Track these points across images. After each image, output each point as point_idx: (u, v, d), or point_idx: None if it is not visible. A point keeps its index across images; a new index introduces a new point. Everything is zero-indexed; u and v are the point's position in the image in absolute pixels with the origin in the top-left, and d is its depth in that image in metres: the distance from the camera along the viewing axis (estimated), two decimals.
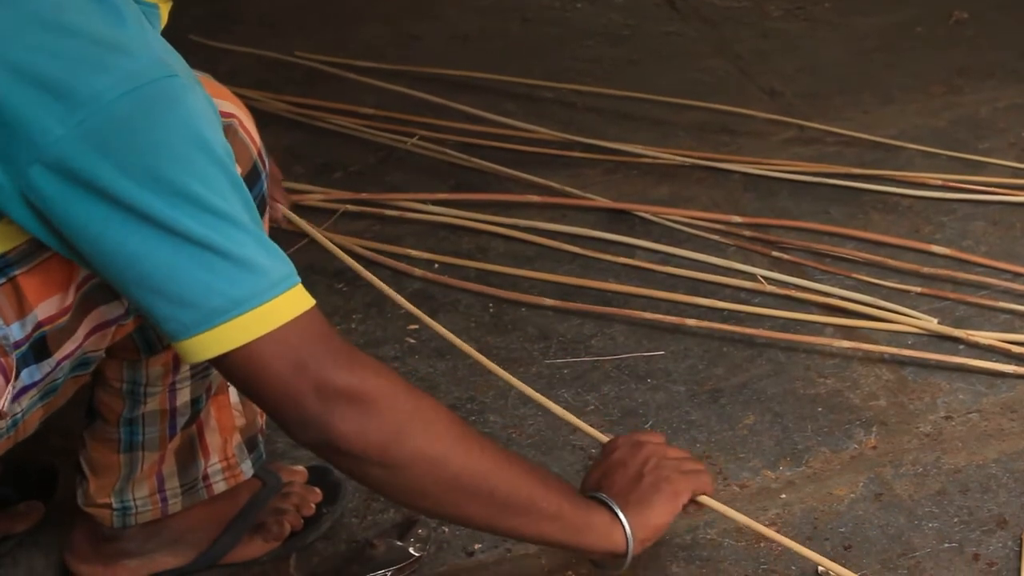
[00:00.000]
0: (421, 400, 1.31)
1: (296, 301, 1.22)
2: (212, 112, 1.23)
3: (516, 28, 3.24)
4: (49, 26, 1.15)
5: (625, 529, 1.44)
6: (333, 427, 1.24)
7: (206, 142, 1.18)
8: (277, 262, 1.22)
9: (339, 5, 3.32)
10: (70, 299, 1.27)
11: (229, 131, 1.39)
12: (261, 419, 1.66)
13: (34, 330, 1.25)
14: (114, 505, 1.57)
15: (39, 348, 1.27)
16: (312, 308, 1.24)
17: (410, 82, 2.80)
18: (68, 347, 1.29)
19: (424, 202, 2.38)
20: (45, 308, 1.25)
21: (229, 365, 1.22)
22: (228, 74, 2.85)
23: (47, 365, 1.28)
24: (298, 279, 1.23)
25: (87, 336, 1.31)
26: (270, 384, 1.22)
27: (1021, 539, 1.70)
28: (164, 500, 1.58)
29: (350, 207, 2.34)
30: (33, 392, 1.29)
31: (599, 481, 1.51)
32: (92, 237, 1.16)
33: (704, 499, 1.53)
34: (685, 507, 1.52)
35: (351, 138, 2.65)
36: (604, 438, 1.62)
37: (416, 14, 3.29)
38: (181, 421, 1.55)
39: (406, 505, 1.39)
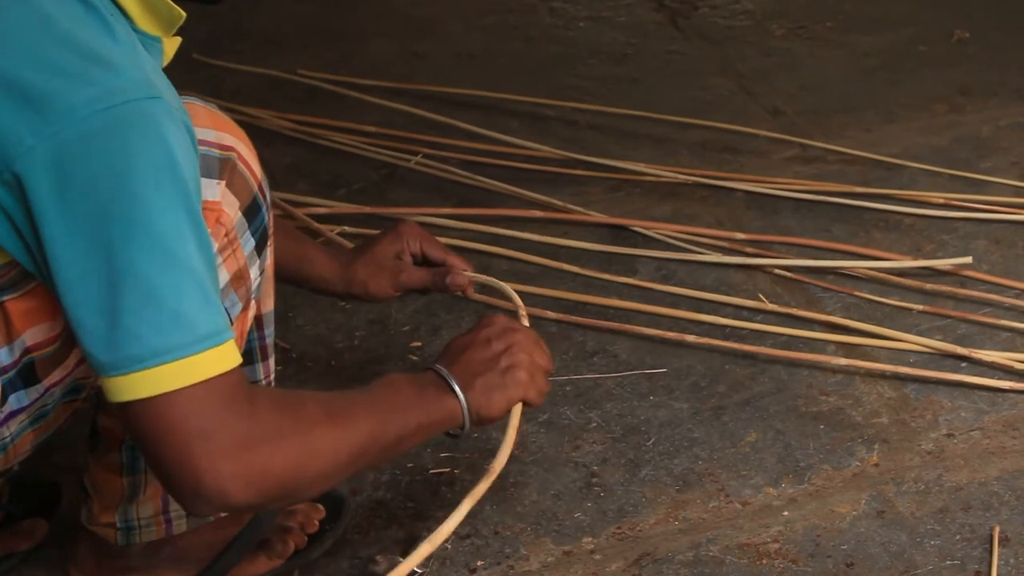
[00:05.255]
0: (300, 420, 1.26)
1: (216, 361, 1.17)
2: (190, 145, 1.21)
3: (519, 47, 3.25)
4: (39, 34, 1.14)
5: (464, 411, 1.44)
6: (231, 497, 1.20)
7: (176, 172, 1.16)
8: (210, 316, 1.18)
9: (343, 23, 3.34)
10: (59, 327, 1.26)
11: (227, 165, 1.38)
12: None
13: (22, 355, 1.25)
14: (118, 524, 1.57)
15: (27, 374, 1.27)
16: (230, 371, 1.19)
17: (413, 100, 2.81)
18: (57, 374, 1.29)
19: (427, 215, 2.38)
20: (33, 335, 1.25)
21: (134, 414, 1.17)
22: (231, 93, 2.86)
23: (35, 391, 1.29)
24: (228, 336, 1.19)
25: (77, 364, 1.31)
26: (169, 445, 1.17)
27: None
28: (168, 521, 1.58)
29: (347, 229, 2.34)
30: (22, 416, 1.30)
31: (462, 349, 1.49)
32: (43, 248, 1.15)
33: (516, 410, 1.52)
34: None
35: (354, 156, 2.66)
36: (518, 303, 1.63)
37: (420, 32, 3.30)
38: None
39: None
